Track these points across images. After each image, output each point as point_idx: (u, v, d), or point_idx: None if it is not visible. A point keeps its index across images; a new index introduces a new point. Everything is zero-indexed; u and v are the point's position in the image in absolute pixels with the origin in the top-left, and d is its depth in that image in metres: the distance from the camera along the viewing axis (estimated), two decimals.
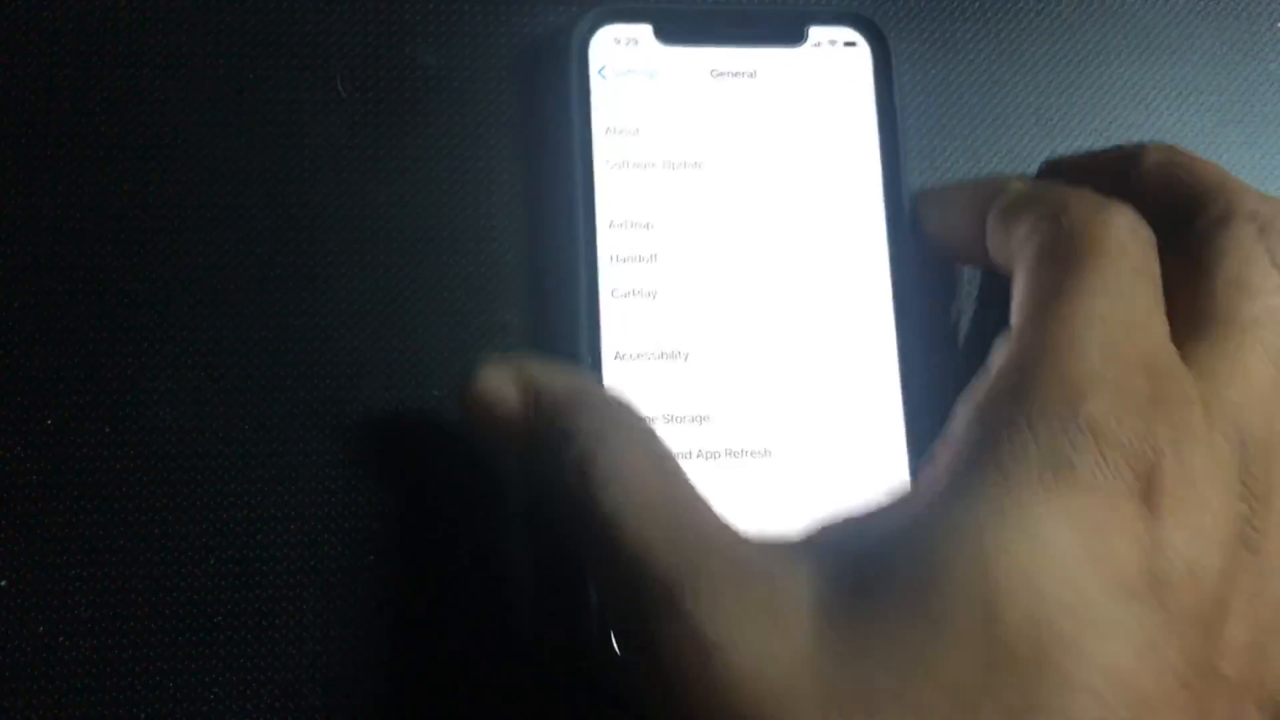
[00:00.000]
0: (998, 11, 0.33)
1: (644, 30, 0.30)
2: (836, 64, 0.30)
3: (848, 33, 0.31)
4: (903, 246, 0.29)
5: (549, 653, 0.28)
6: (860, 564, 0.20)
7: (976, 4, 0.33)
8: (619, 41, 0.30)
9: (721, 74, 0.30)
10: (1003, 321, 0.24)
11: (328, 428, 0.29)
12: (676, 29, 0.30)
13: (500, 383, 0.24)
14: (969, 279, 0.31)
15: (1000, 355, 0.22)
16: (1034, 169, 0.32)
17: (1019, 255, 0.23)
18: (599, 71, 0.30)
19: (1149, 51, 0.33)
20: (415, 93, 0.31)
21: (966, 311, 0.31)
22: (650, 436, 0.23)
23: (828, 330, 0.29)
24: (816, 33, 0.31)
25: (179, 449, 0.28)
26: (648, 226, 0.29)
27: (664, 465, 0.22)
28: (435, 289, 0.30)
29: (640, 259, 0.29)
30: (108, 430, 0.28)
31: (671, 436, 0.24)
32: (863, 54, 0.31)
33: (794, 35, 0.30)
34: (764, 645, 0.18)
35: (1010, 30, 0.33)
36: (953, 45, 0.33)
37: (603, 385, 0.27)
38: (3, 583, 0.27)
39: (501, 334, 0.29)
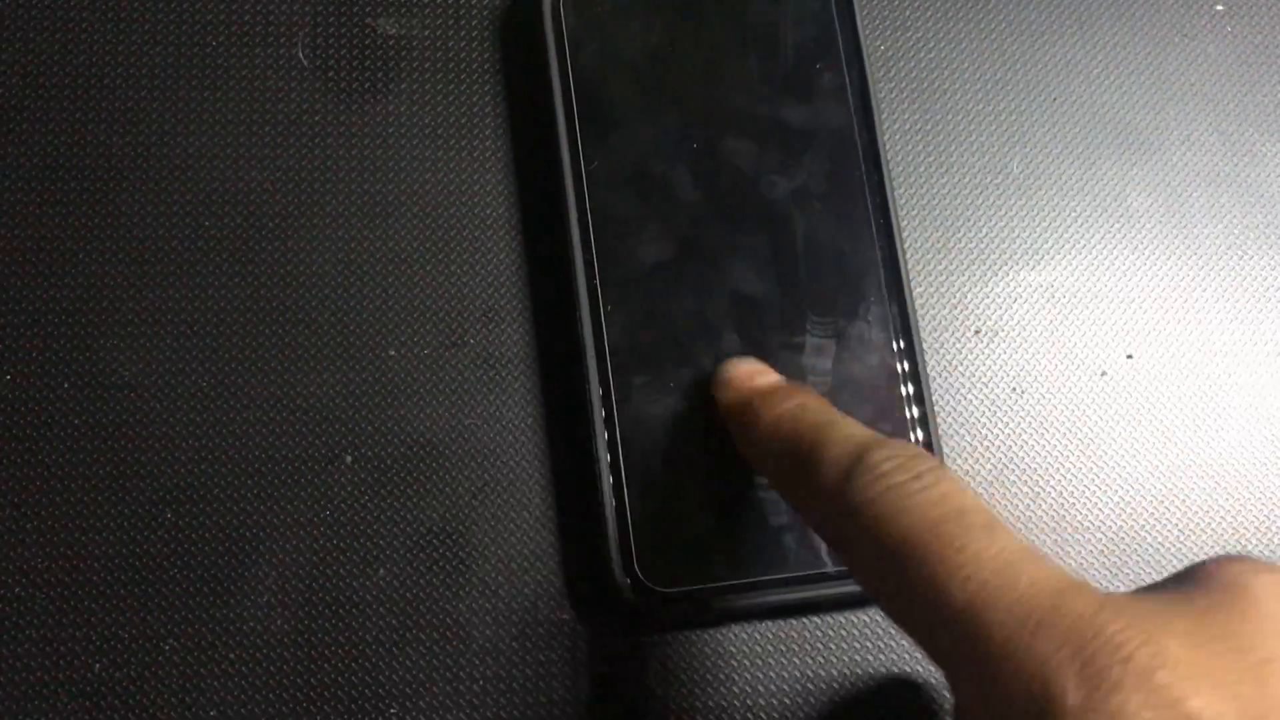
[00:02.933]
0: None
1: None
2: (799, 2, 0.32)
3: None
4: (875, 178, 0.31)
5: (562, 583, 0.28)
6: None
7: None
8: None
9: (691, 17, 0.31)
10: None
11: (288, 384, 0.29)
12: None
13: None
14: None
15: None
16: (978, 136, 0.33)
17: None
18: (572, 24, 0.31)
19: (1091, 27, 0.35)
20: (376, 60, 0.31)
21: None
22: None
23: (813, 250, 0.30)
24: None
25: (137, 404, 0.28)
26: (633, 170, 0.30)
27: None
28: (396, 251, 0.30)
29: (628, 199, 0.30)
30: (66, 386, 0.28)
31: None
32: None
33: None
34: None
35: (960, 1, 0.34)
36: (903, 16, 0.34)
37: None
38: None
39: (470, 293, 0.30)
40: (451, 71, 0.31)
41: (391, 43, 0.31)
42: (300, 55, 0.31)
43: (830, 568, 0.28)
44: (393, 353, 0.30)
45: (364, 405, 0.29)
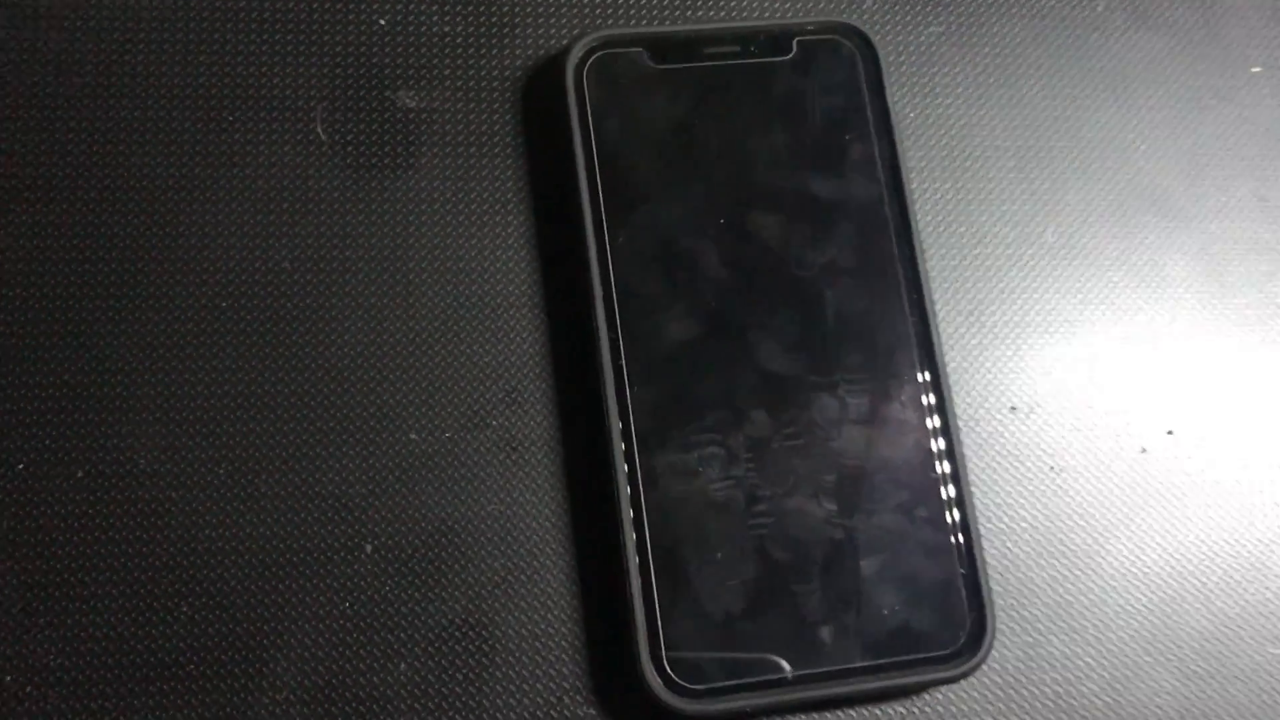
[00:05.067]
0: (981, 47, 0.34)
1: (637, 54, 0.31)
2: (826, 71, 0.31)
3: (834, 41, 0.31)
4: (907, 243, 0.30)
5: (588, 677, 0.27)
6: None
7: (962, 37, 0.34)
8: (613, 67, 0.30)
9: (716, 89, 0.31)
10: None
11: (306, 470, 0.28)
12: (668, 50, 0.31)
13: None
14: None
15: None
16: (1011, 205, 0.32)
17: None
18: (596, 97, 0.30)
19: (1125, 92, 0.34)
20: (396, 134, 0.31)
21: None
22: None
23: (841, 328, 0.30)
24: (803, 43, 0.31)
25: (152, 493, 0.28)
26: (659, 246, 0.29)
27: None
28: (417, 329, 0.29)
29: (654, 275, 0.29)
30: (80, 475, 0.28)
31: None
32: (850, 61, 0.31)
33: (781, 48, 0.31)
34: None
35: (990, 68, 0.33)
36: (932, 84, 0.33)
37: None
38: None
39: (492, 374, 0.29)
40: (472, 145, 0.31)
41: (411, 116, 0.31)
42: (318, 129, 0.31)
43: (865, 661, 0.27)
44: (414, 436, 0.29)
45: (384, 491, 0.28)
